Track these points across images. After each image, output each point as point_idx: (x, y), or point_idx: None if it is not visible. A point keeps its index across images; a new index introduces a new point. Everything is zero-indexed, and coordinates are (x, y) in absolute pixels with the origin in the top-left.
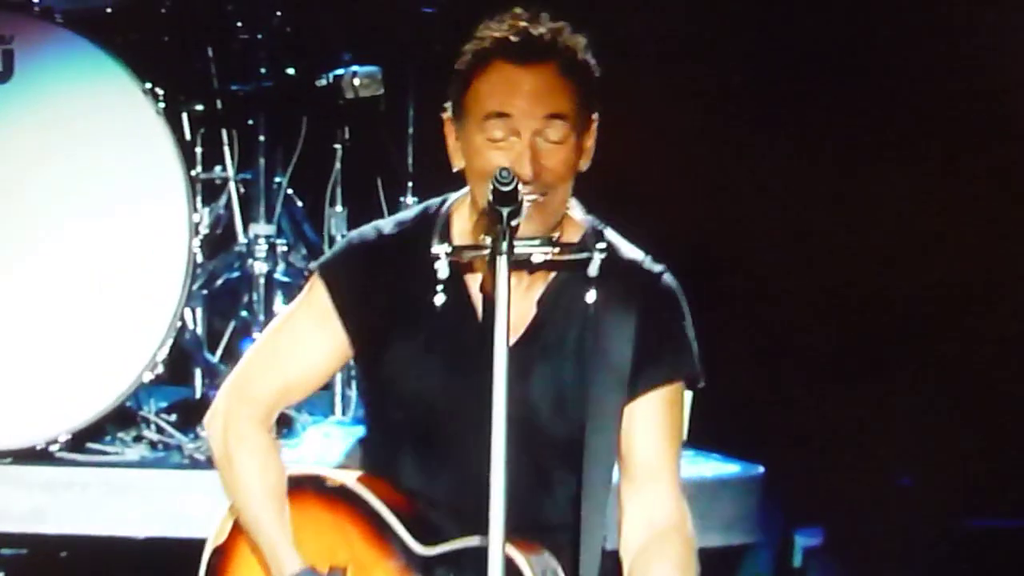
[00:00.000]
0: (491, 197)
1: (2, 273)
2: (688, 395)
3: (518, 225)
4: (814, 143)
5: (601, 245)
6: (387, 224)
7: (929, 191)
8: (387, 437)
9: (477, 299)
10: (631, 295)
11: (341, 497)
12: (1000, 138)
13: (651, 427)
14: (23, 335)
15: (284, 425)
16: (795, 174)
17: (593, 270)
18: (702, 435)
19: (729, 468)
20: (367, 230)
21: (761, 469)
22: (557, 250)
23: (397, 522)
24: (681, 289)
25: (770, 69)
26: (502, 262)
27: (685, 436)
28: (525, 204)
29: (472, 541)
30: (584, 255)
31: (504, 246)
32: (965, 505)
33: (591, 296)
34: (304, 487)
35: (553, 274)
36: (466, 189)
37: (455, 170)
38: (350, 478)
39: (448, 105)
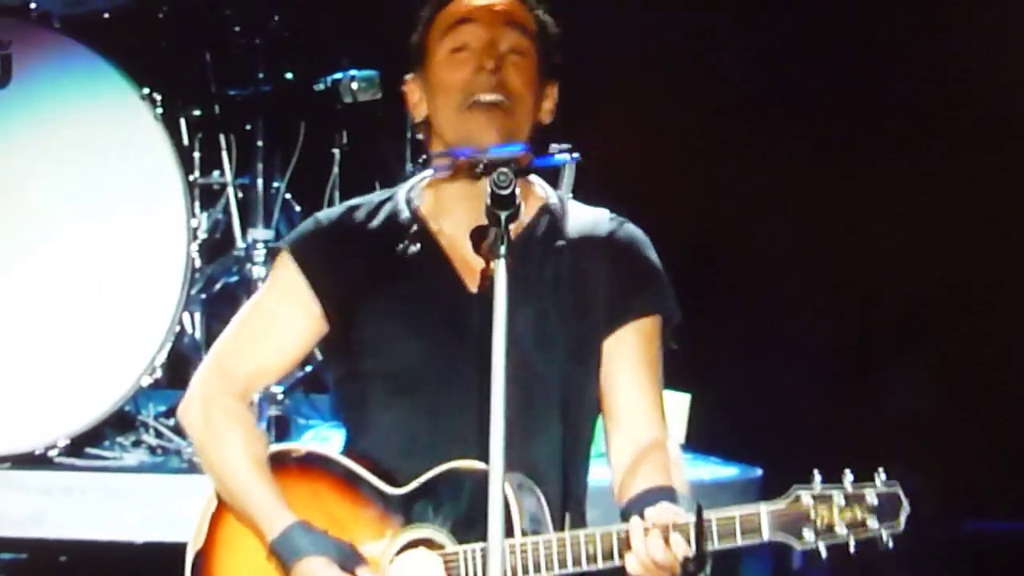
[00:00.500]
0: (488, 200)
1: (1, 278)
2: (686, 398)
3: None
4: (812, 143)
5: (576, 156)
6: (354, 201)
7: (929, 191)
8: (364, 400)
9: (451, 254)
10: (600, 239)
11: (309, 462)
12: (1000, 138)
13: (630, 360)
14: (22, 340)
15: (282, 428)
16: (793, 175)
17: (565, 188)
18: (701, 438)
19: (727, 471)
20: (333, 208)
21: (759, 471)
22: (525, 152)
23: (367, 472)
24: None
25: (770, 69)
26: (500, 264)
27: (683, 439)
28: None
29: (443, 467)
30: (557, 159)
31: (502, 248)
32: (964, 508)
33: (562, 240)
34: (276, 462)
35: (525, 222)
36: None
37: (418, 120)
38: (313, 445)
39: (408, 77)
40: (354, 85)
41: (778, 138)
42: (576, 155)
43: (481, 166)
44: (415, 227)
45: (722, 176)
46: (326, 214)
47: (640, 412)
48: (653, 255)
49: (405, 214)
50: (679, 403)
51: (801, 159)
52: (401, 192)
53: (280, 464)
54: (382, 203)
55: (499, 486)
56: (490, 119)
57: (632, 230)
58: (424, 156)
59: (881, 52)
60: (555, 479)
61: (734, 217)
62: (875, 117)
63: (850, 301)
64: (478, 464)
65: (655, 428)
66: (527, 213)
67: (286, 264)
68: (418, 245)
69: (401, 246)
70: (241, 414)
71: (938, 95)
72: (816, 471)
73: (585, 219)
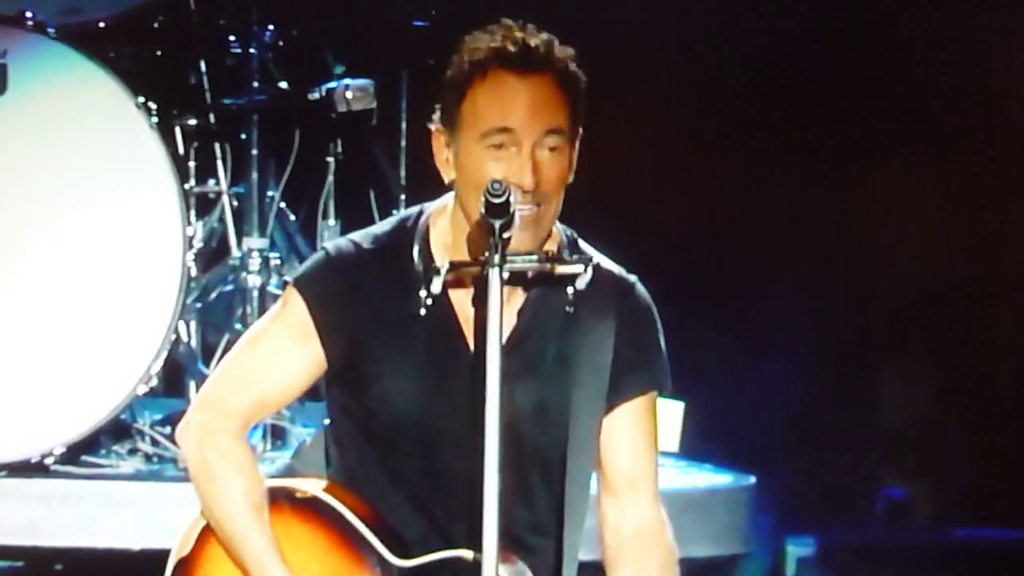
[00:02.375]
0: (483, 209)
1: None
2: (680, 406)
3: (510, 238)
4: (804, 149)
5: (590, 260)
6: (364, 238)
7: (921, 196)
8: (361, 450)
9: (459, 310)
10: (608, 306)
11: (313, 508)
12: (996, 141)
13: (630, 436)
14: (18, 347)
15: (277, 436)
16: (786, 183)
17: (581, 284)
18: (694, 445)
19: (721, 478)
20: (343, 243)
21: (753, 479)
22: (549, 265)
23: (371, 534)
24: (652, 301)
25: (766, 71)
26: (494, 275)
27: (677, 447)
28: (517, 216)
29: (450, 553)
30: (575, 269)
31: (496, 259)
32: (956, 515)
33: (571, 307)
34: (275, 499)
35: (533, 285)
36: (442, 200)
37: (447, 182)
38: (318, 488)
39: (436, 116)
40: (349, 94)
41: (771, 143)
42: (593, 262)
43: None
44: (435, 284)
45: (715, 183)
46: (336, 248)
47: (639, 491)
48: (659, 324)
49: (417, 268)
50: (673, 411)
51: (794, 166)
52: (414, 237)
53: (283, 503)
54: (392, 244)
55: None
56: (523, 230)
57: (641, 298)
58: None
59: (877, 53)
60: (549, 548)
61: (728, 224)
62: (870, 120)
63: (845, 308)
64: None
65: (653, 513)
66: (539, 274)
67: (295, 301)
68: (428, 302)
69: (412, 301)
70: (239, 456)
71: (934, 96)
72: None
73: (597, 279)
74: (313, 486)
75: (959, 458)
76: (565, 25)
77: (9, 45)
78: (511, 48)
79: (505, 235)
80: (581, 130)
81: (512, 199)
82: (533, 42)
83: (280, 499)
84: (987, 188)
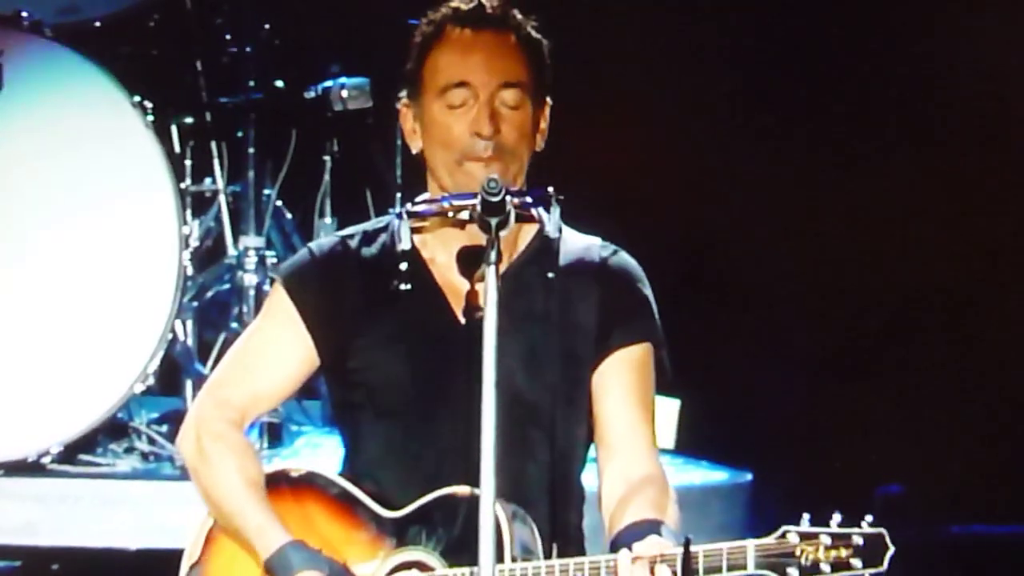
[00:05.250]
0: (479, 207)
1: None
2: (676, 403)
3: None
4: (801, 149)
5: (554, 196)
6: (348, 232)
7: (917, 197)
8: (362, 433)
9: (444, 283)
10: (591, 270)
11: (308, 482)
12: (993, 142)
13: (621, 388)
14: (15, 347)
15: (274, 435)
16: (782, 180)
17: (552, 229)
18: (691, 442)
19: (717, 475)
20: (327, 239)
21: (749, 476)
22: (523, 198)
23: (363, 495)
24: (639, 266)
25: (766, 72)
26: (490, 271)
27: (674, 444)
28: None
29: (439, 492)
30: (549, 213)
31: (492, 255)
32: (953, 511)
33: (552, 272)
34: (271, 483)
35: (518, 252)
36: (427, 194)
37: (414, 153)
38: (314, 466)
39: (403, 93)
40: (344, 93)
41: (767, 144)
42: (559, 198)
43: (472, 214)
44: (409, 259)
45: (711, 181)
46: (319, 245)
47: (631, 443)
48: (642, 285)
49: (400, 245)
50: (669, 408)
51: (790, 165)
52: (396, 222)
53: (277, 484)
54: (376, 232)
55: (490, 508)
56: (486, 171)
57: (623, 260)
58: (415, 200)
59: (877, 54)
60: (544, 506)
61: (724, 222)
62: (865, 122)
63: (840, 305)
64: (474, 491)
65: (647, 459)
66: (520, 243)
67: (280, 296)
68: (411, 276)
69: (395, 278)
70: (233, 438)
71: (931, 98)
72: (806, 515)
73: (577, 248)
74: (306, 465)
75: (954, 455)
76: (565, 25)
77: (5, 44)
78: (466, 7)
79: (502, 233)
80: (550, 101)
81: (477, 150)
82: (492, 5)
83: (277, 482)
84: (987, 189)
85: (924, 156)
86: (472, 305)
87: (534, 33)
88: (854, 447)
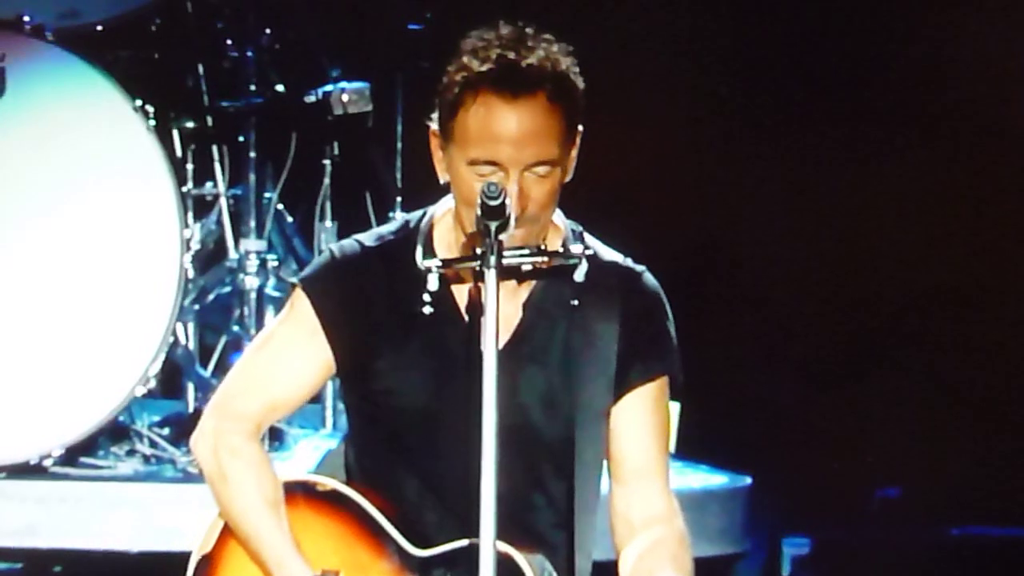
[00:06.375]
0: (479, 211)
1: None
2: (676, 407)
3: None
4: (800, 152)
5: (587, 252)
6: (368, 238)
7: (922, 196)
8: (375, 448)
9: (463, 306)
10: (614, 295)
11: (332, 501)
12: (992, 144)
13: (639, 424)
14: (16, 350)
15: (275, 438)
16: (782, 184)
17: (579, 275)
18: (690, 446)
19: (717, 479)
20: (348, 244)
21: (748, 479)
22: (545, 259)
23: (390, 525)
24: (661, 289)
25: (767, 73)
26: (491, 275)
27: (673, 448)
28: (513, 219)
29: (467, 542)
30: (571, 261)
31: (492, 259)
32: (952, 513)
33: (575, 299)
34: (295, 492)
35: (540, 276)
36: (445, 201)
37: (441, 182)
38: (337, 482)
39: (434, 118)
40: (345, 97)
41: (768, 147)
42: (588, 250)
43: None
44: (431, 281)
45: (710, 186)
46: (340, 249)
47: (647, 480)
48: (668, 312)
49: (420, 267)
50: (670, 412)
51: (790, 169)
52: (418, 236)
53: (303, 495)
54: (397, 243)
55: (490, 526)
56: (517, 228)
57: (647, 288)
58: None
59: (877, 55)
60: (561, 541)
61: (722, 227)
62: (871, 120)
63: (839, 309)
64: (503, 545)
65: (664, 501)
66: (550, 260)
67: (301, 302)
68: (434, 299)
69: (418, 297)
70: (250, 454)
71: (930, 99)
72: None
73: (602, 269)
74: (333, 481)
75: (953, 457)
76: (564, 25)
77: (7, 49)
78: (502, 70)
79: (502, 236)
80: (581, 128)
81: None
82: (526, 61)
83: (299, 493)
84: (986, 189)
85: (925, 158)
86: (470, 299)
87: (567, 78)
88: (853, 450)
